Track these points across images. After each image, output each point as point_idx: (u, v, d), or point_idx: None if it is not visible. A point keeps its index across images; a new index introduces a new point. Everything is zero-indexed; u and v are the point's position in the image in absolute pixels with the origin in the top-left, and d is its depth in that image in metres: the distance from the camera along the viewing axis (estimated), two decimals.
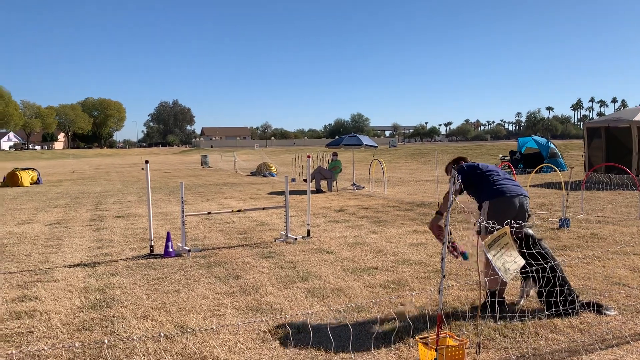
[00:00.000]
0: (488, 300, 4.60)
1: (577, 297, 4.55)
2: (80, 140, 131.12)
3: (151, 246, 7.40)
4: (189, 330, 4.31)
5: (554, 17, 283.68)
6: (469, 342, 3.87)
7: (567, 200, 9.81)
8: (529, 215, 4.70)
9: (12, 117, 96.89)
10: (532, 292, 4.68)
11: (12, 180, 21.32)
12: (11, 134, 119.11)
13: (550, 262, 4.38)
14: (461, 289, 5.37)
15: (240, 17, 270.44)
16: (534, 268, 4.38)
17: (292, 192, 15.92)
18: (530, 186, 15.68)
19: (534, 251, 4.42)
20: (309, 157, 9.04)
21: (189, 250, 7.27)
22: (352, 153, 19.61)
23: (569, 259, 6.51)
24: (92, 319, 4.69)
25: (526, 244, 4.45)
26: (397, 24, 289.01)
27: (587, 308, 4.51)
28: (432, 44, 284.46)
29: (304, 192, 16.19)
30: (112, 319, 4.68)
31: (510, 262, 3.78)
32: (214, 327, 4.37)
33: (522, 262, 3.83)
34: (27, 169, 23.49)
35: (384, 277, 5.94)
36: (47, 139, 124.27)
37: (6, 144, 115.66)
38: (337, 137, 22.65)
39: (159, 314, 4.79)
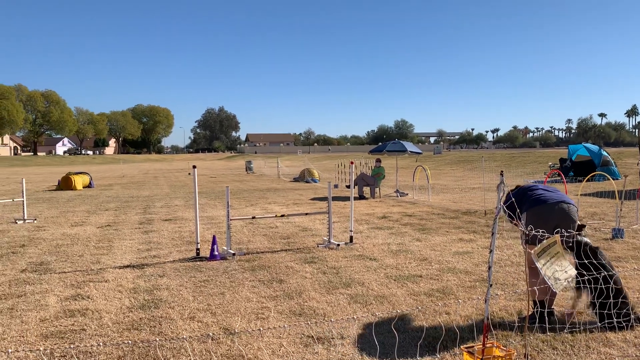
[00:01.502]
0: (537, 311, 4.47)
1: (633, 309, 4.37)
2: (130, 145, 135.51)
3: (197, 249, 7.56)
4: (233, 332, 4.38)
5: (607, 20, 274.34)
6: (515, 353, 3.77)
7: (620, 210, 9.44)
8: (582, 226, 4.54)
9: (66, 123, 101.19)
10: (585, 303, 4.51)
11: (66, 184, 22.21)
12: (65, 140, 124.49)
13: (604, 273, 4.22)
14: (508, 299, 5.23)
15: (285, 26, 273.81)
16: (586, 278, 4.23)
17: (334, 199, 15.93)
18: (581, 195, 15.15)
19: (586, 261, 4.27)
20: (352, 163, 9.04)
21: (234, 254, 7.38)
22: (396, 160, 19.49)
23: (623, 271, 6.25)
24: (140, 318, 4.83)
25: (578, 253, 4.30)
26: (443, 28, 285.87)
27: None
28: (479, 49, 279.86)
29: (346, 199, 16.17)
30: (160, 319, 4.80)
31: (560, 271, 3.67)
32: (259, 330, 4.42)
33: (573, 272, 3.71)
34: (80, 173, 24.44)
35: (429, 285, 5.86)
36: (99, 145, 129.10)
37: (61, 149, 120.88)
38: (380, 143, 22.51)
39: (205, 315, 4.88)
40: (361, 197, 16.38)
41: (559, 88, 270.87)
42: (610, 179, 11.08)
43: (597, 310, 4.24)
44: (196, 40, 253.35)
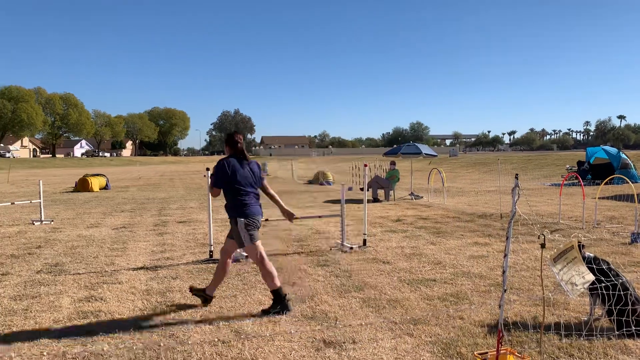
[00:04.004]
0: (277, 302, 4.86)
1: None
2: (147, 147, 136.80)
3: (211, 251, 7.57)
4: (245, 335, 4.36)
5: (625, 21, 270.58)
6: None
7: (639, 214, 9.26)
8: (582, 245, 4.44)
9: (84, 125, 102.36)
10: (601, 310, 4.40)
11: (83, 185, 22.45)
12: (83, 142, 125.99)
13: (621, 279, 4.12)
14: (524, 304, 5.15)
15: (301, 28, 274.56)
16: (603, 285, 4.13)
17: (348, 202, 15.88)
18: (599, 198, 14.91)
19: (596, 267, 4.17)
20: (365, 165, 8.99)
21: (246, 257, 7.37)
22: (411, 162, 19.37)
23: None
24: (152, 321, 4.83)
25: (588, 262, 4.21)
26: (459, 31, 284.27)
27: None
28: (495, 50, 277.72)
29: (360, 201, 16.10)
30: (171, 321, 4.80)
31: (577, 276, 3.59)
32: (269, 334, 4.39)
33: (590, 277, 3.63)
34: (97, 175, 24.70)
35: (442, 289, 5.79)
36: (116, 147, 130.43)
37: (79, 151, 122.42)
38: (395, 145, 22.37)
39: (217, 318, 4.87)
40: (375, 200, 16.31)
41: (576, 90, 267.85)
42: (629, 181, 10.88)
43: (615, 318, 4.14)
44: (212, 42, 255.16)
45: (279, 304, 4.96)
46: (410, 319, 4.75)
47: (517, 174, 3.26)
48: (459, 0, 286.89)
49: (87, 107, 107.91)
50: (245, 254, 7.43)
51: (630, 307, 3.99)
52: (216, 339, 4.28)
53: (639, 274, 6.29)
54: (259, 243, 5.11)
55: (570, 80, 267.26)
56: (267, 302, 5.35)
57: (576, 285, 3.50)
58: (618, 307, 4.04)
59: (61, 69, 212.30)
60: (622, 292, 4.03)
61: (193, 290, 5.34)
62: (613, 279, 4.05)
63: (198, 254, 7.93)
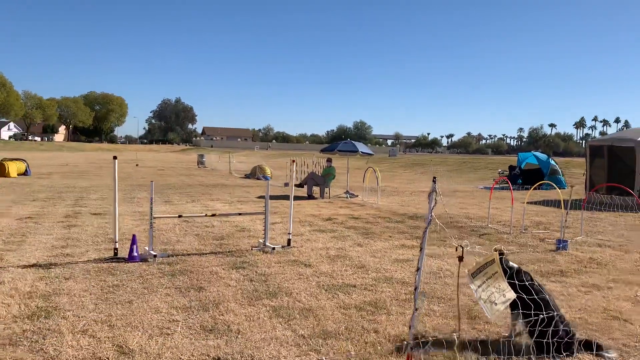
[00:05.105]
0: None
1: (574, 335, 4.00)
2: (81, 133, 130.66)
3: (115, 249, 6.87)
4: (127, 351, 3.78)
5: (559, 34, 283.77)
6: None
7: (565, 221, 9.28)
8: (502, 252, 4.12)
9: (12, 106, 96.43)
10: (522, 328, 4.09)
11: None
12: (12, 124, 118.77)
13: (544, 295, 3.83)
14: (445, 316, 4.82)
15: (245, 17, 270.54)
16: (523, 301, 3.81)
17: (282, 197, 15.39)
18: (527, 203, 15.14)
19: (518, 283, 3.84)
20: (293, 161, 8.54)
21: (155, 256, 6.73)
22: (347, 160, 19.08)
23: (566, 287, 5.96)
24: (23, 331, 4.15)
25: (511, 276, 3.87)
26: (404, 33, 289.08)
27: (585, 349, 3.96)
28: (437, 55, 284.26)
29: (296, 198, 15.63)
30: (46, 332, 4.13)
31: (497, 293, 3.25)
32: (157, 350, 3.83)
33: (511, 295, 3.29)
34: (16, 159, 22.98)
35: (361, 297, 5.39)
36: (48, 131, 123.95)
37: (6, 133, 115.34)
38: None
39: (101, 329, 4.24)
40: (310, 197, 15.90)
41: (512, 97, 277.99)
42: (557, 187, 10.97)
43: (534, 339, 3.81)
44: (154, 27, 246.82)
45: None
46: (320, 332, 4.31)
47: (434, 177, 2.86)
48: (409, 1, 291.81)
49: (17, 88, 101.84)
50: (154, 253, 6.78)
51: (550, 327, 3.67)
52: (91, 356, 3.68)
53: (562, 284, 6.14)
54: None
55: (506, 87, 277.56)
56: (166, 310, 4.77)
57: (495, 304, 3.15)
58: (538, 327, 3.71)
59: None
60: (543, 312, 3.71)
61: None
62: (535, 295, 3.73)
63: (103, 251, 7.20)
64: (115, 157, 6.93)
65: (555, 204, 14.93)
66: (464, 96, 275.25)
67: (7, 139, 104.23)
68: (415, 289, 2.88)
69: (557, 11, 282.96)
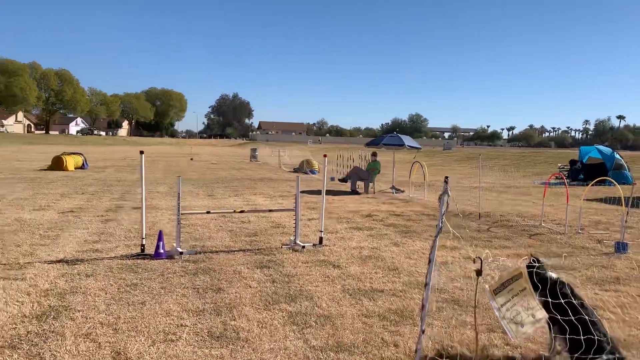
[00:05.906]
0: None
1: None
2: (143, 128, 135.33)
3: (142, 245, 6.75)
4: (123, 358, 3.56)
5: (630, 20, 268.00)
6: None
7: (626, 221, 8.44)
8: (537, 258, 3.56)
9: (79, 102, 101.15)
10: (561, 347, 3.56)
11: (57, 164, 21.58)
12: (79, 120, 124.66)
13: (584, 317, 3.28)
14: (473, 329, 4.34)
15: (302, 14, 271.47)
16: (565, 319, 3.29)
17: (326, 192, 15.07)
18: (587, 200, 14.13)
19: (562, 300, 3.32)
20: (325, 156, 8.17)
21: (182, 253, 6.57)
22: (393, 154, 18.50)
23: (619, 297, 5.31)
24: (27, 332, 4.02)
25: (550, 291, 3.34)
26: (464, 25, 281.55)
27: None
28: (499, 46, 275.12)
29: (338, 193, 15.31)
30: (49, 334, 3.99)
31: (525, 313, 2.78)
32: (155, 358, 3.59)
33: (543, 314, 2.81)
34: (74, 153, 23.80)
35: (387, 303, 4.98)
36: (112, 126, 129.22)
37: (74, 128, 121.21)
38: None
39: (105, 332, 4.06)
40: (354, 192, 15.50)
41: (578, 88, 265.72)
42: (617, 184, 10.06)
43: None
44: (213, 25, 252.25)
45: None
46: (334, 343, 3.95)
47: (446, 177, 2.43)
48: None
49: (83, 85, 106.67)
50: (181, 250, 6.62)
51: (590, 355, 3.13)
52: None
53: (617, 293, 5.49)
54: None
55: (572, 78, 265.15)
56: (177, 313, 4.55)
57: (522, 325, 2.69)
58: (578, 354, 3.17)
59: (57, 44, 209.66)
60: (582, 336, 3.16)
61: None
62: (572, 316, 3.18)
63: (132, 247, 7.11)
64: (142, 152, 6.80)
65: (618, 201, 13.84)
66: (526, 87, 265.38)
67: (75, 134, 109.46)
68: (422, 308, 2.48)
69: None
